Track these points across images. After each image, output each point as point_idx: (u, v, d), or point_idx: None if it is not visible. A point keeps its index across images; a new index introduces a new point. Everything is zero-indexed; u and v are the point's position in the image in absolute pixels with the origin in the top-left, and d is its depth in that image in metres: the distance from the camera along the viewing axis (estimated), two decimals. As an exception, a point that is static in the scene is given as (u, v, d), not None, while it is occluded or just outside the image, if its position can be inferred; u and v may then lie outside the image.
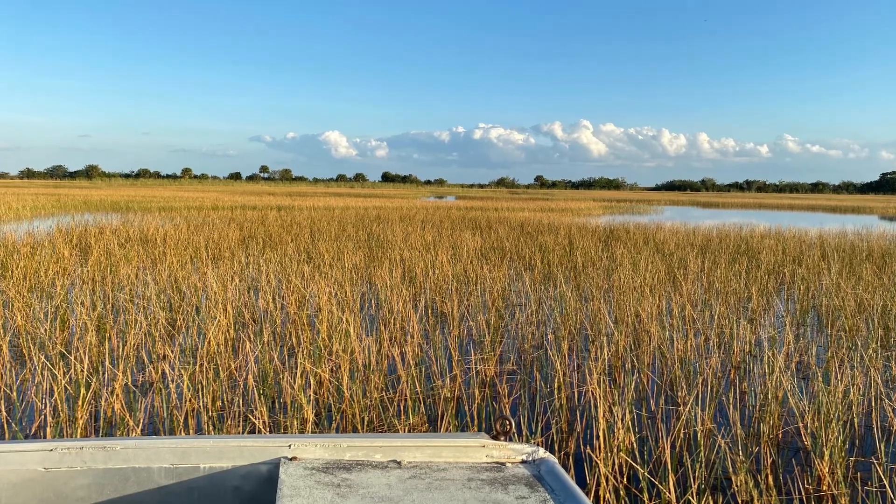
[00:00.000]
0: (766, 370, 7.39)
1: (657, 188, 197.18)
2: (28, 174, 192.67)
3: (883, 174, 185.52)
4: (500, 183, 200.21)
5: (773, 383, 6.56)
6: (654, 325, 8.89)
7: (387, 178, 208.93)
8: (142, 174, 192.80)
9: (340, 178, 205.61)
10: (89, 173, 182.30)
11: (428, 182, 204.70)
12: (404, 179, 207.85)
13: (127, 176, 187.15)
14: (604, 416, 5.57)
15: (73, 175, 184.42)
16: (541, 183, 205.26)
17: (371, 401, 6.46)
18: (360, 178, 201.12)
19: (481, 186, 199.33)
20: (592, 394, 6.64)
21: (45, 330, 8.69)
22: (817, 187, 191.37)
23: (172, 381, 6.90)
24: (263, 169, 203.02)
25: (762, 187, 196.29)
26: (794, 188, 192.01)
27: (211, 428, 5.84)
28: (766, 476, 5.06)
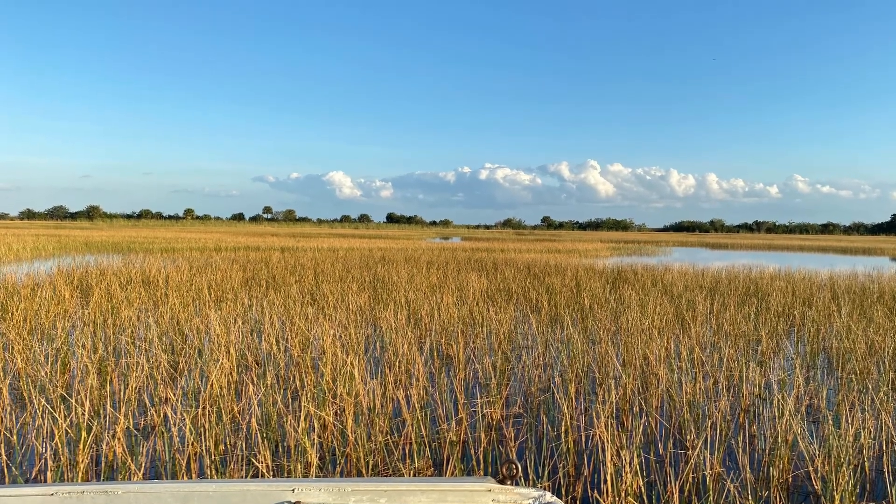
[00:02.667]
0: (776, 413, 7.28)
1: (665, 229, 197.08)
2: (29, 215, 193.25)
3: (894, 215, 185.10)
4: (507, 224, 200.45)
5: (783, 427, 6.46)
6: (662, 368, 8.79)
7: (392, 218, 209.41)
8: (143, 215, 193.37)
9: (345, 219, 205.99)
10: (90, 214, 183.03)
11: (433, 223, 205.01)
12: (409, 220, 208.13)
13: (129, 217, 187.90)
14: (611, 459, 5.47)
15: (74, 216, 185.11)
16: (547, 224, 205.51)
17: (376, 444, 6.37)
18: (364, 218, 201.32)
19: (487, 227, 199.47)
20: (600, 437, 6.54)
21: (46, 372, 8.63)
22: (828, 228, 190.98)
23: (174, 425, 6.81)
24: (267, 210, 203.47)
25: (772, 228, 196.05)
26: (804, 229, 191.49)
27: (214, 472, 5.75)
28: (779, 522, 4.94)
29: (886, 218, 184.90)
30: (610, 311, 14.25)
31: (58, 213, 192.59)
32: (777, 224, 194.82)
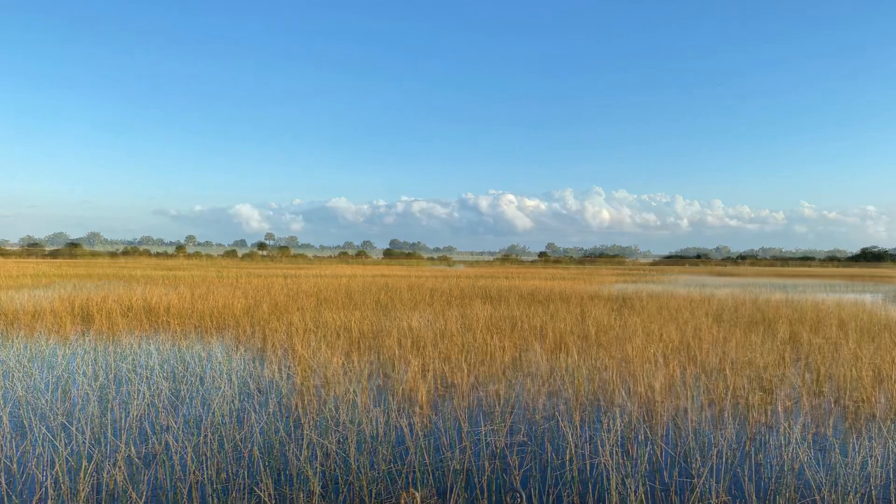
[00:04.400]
0: (783, 441, 7.21)
1: (671, 256, 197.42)
2: (29, 241, 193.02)
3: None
4: (511, 251, 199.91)
5: (790, 455, 6.39)
6: (667, 396, 8.72)
7: (395, 245, 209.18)
8: (145, 241, 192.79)
9: (347, 246, 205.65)
10: (91, 240, 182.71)
11: (437, 249, 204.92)
12: (413, 246, 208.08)
13: (129, 243, 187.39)
14: (616, 488, 5.41)
15: (75, 242, 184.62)
16: (552, 250, 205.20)
17: (379, 472, 6.31)
18: (367, 245, 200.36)
19: (491, 254, 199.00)
20: (605, 465, 6.48)
21: (46, 400, 8.60)
22: (835, 256, 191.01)
23: (176, 453, 6.76)
24: (269, 236, 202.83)
25: (778, 255, 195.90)
26: (810, 256, 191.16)
27: (215, 501, 5.69)
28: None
29: (895, 244, 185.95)
30: (614, 337, 14.17)
31: (58, 240, 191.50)
32: (784, 251, 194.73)
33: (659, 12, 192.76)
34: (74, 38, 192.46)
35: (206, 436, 7.20)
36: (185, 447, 6.78)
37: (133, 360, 11.20)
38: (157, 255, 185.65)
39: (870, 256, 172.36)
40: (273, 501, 5.66)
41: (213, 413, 7.79)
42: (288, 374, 10.37)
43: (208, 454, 6.59)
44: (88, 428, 7.01)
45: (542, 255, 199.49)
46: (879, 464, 6.62)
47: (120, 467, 6.01)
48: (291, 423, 8.00)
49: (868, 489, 6.10)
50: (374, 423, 7.42)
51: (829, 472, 6.41)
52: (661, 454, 7.16)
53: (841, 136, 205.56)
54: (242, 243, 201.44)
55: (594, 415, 8.72)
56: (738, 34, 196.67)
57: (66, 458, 6.40)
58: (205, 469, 6.26)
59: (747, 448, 7.45)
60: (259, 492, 5.74)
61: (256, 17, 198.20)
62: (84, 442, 6.59)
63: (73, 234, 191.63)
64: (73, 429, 7.07)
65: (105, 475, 6.14)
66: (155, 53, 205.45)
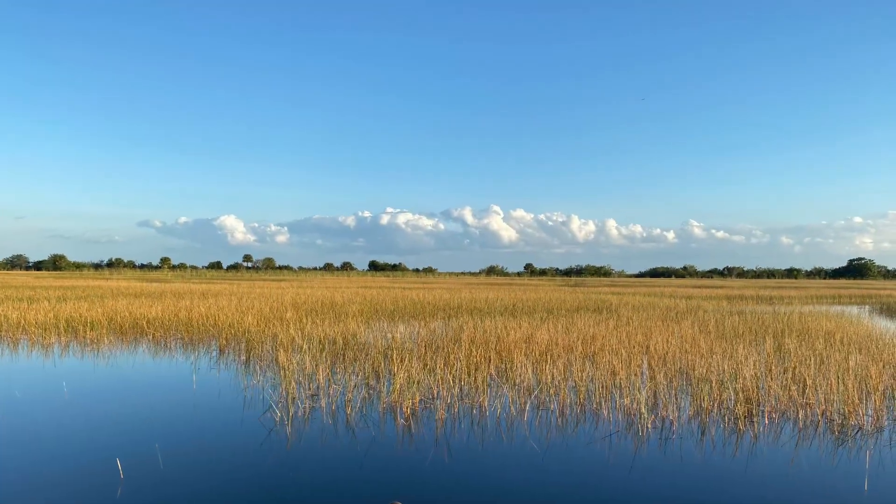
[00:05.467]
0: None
1: (568, 272, 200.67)
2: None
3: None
4: (395, 268, 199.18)
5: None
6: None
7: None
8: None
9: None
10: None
11: (416, 270, 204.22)
12: (394, 268, 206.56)
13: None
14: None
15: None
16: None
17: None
18: (247, 258, 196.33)
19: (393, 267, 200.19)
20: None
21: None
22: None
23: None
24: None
25: (742, 273, 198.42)
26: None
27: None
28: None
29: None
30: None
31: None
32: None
33: (556, 26, 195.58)
34: (51, 47, 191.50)
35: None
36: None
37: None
38: (141, 266, 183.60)
39: (736, 273, 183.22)
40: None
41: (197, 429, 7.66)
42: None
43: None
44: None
45: (426, 270, 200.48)
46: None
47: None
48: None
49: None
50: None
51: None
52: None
53: (724, 156, 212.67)
54: (218, 265, 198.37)
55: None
56: (631, 51, 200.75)
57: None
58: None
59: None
60: None
61: (240, 30, 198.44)
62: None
63: (34, 257, 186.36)
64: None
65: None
66: (134, 67, 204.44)
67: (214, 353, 14.50)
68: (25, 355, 14.14)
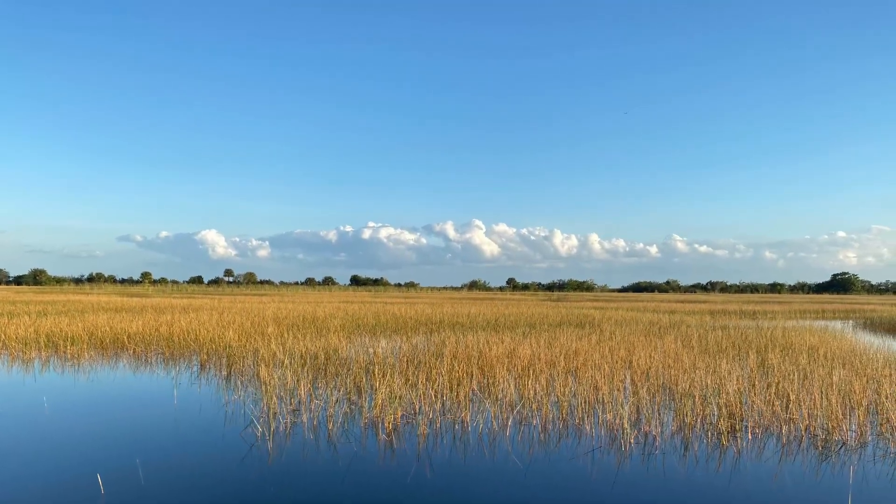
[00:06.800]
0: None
1: (550, 287, 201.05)
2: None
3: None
4: (377, 283, 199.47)
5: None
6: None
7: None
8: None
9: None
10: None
11: (398, 285, 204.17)
12: (375, 282, 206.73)
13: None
14: None
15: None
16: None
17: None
18: (229, 273, 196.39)
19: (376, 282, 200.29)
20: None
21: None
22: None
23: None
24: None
25: (725, 288, 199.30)
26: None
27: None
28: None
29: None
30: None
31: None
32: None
33: (538, 40, 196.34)
34: (30, 61, 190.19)
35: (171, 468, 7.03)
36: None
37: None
38: (122, 281, 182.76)
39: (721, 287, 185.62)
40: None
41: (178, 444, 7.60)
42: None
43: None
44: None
45: (408, 284, 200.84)
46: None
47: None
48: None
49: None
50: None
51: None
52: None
53: (706, 171, 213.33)
54: (199, 280, 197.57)
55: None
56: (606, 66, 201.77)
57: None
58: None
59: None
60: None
61: (221, 44, 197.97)
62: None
63: (14, 272, 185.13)
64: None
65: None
66: (114, 81, 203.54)
67: (195, 368, 14.43)
68: (6, 370, 14.06)
